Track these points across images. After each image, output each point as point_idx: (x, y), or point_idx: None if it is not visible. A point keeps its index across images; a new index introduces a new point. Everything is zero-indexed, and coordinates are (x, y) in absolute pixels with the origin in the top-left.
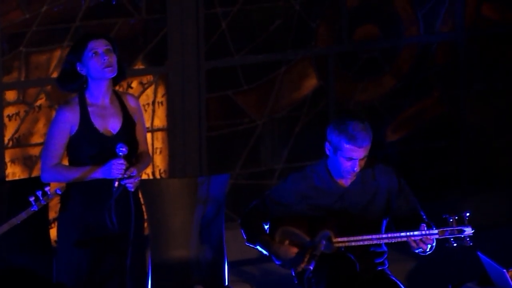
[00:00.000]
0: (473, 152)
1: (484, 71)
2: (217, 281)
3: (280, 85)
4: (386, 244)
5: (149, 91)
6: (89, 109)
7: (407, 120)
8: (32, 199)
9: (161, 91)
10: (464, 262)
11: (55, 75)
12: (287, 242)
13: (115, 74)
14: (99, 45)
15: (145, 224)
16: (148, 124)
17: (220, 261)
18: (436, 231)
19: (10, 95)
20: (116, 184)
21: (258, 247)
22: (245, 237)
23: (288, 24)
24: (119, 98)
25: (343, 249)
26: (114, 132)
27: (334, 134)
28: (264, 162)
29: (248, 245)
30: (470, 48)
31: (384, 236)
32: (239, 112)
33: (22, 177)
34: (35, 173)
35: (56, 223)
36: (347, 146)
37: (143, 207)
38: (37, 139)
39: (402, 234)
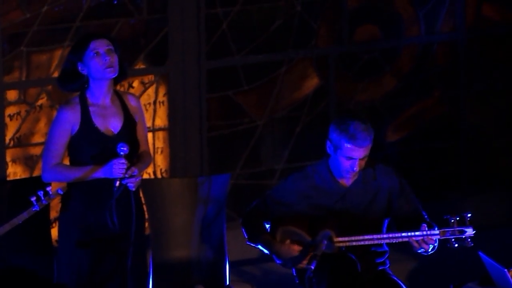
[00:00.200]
0: (473, 152)
1: (484, 71)
2: (218, 281)
3: (280, 85)
4: (387, 244)
5: (150, 91)
6: (90, 108)
7: (408, 120)
8: (33, 199)
9: (162, 90)
10: (465, 262)
11: (56, 75)
12: (288, 241)
13: (116, 75)
14: (101, 45)
15: (146, 224)
16: (149, 124)
17: (221, 261)
18: (437, 232)
19: (11, 95)
20: (117, 183)
21: (259, 246)
22: (246, 237)
23: (289, 24)
24: (120, 97)
25: (344, 249)
26: (115, 132)
27: (335, 133)
28: (264, 162)
29: (249, 245)
30: (470, 48)
31: (385, 236)
32: (239, 112)
33: (23, 176)
34: (36, 173)
35: (57, 223)
36: (347, 145)
37: (144, 206)
38: (38, 138)
39: (403, 234)
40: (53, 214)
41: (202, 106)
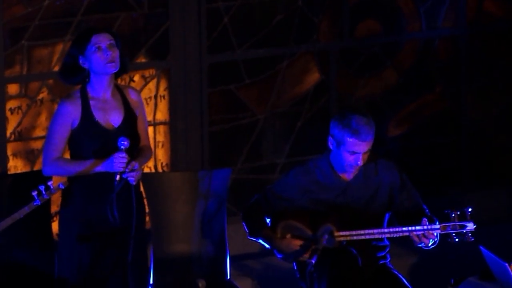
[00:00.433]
0: (474, 147)
1: (486, 67)
2: (219, 275)
3: (282, 79)
4: (388, 238)
5: (151, 85)
6: (91, 102)
7: (409, 116)
8: (35, 193)
9: (163, 85)
10: (466, 256)
11: (57, 69)
12: (289, 236)
13: (117, 69)
14: (103, 40)
15: (147, 218)
16: (150, 118)
17: (222, 255)
18: (438, 226)
19: (12, 89)
20: (118, 177)
21: (260, 241)
22: (247, 231)
23: (290, 18)
24: (120, 91)
25: (345, 243)
26: (116, 126)
27: (337, 128)
28: (265, 156)
29: (250, 239)
30: (472, 44)
31: (386, 230)
32: (241, 107)
33: (24, 170)
34: (37, 167)
35: (57, 217)
36: (350, 140)
37: (145, 200)
38: (39, 132)
39: (404, 228)
40: (54, 208)
41: (203, 100)
